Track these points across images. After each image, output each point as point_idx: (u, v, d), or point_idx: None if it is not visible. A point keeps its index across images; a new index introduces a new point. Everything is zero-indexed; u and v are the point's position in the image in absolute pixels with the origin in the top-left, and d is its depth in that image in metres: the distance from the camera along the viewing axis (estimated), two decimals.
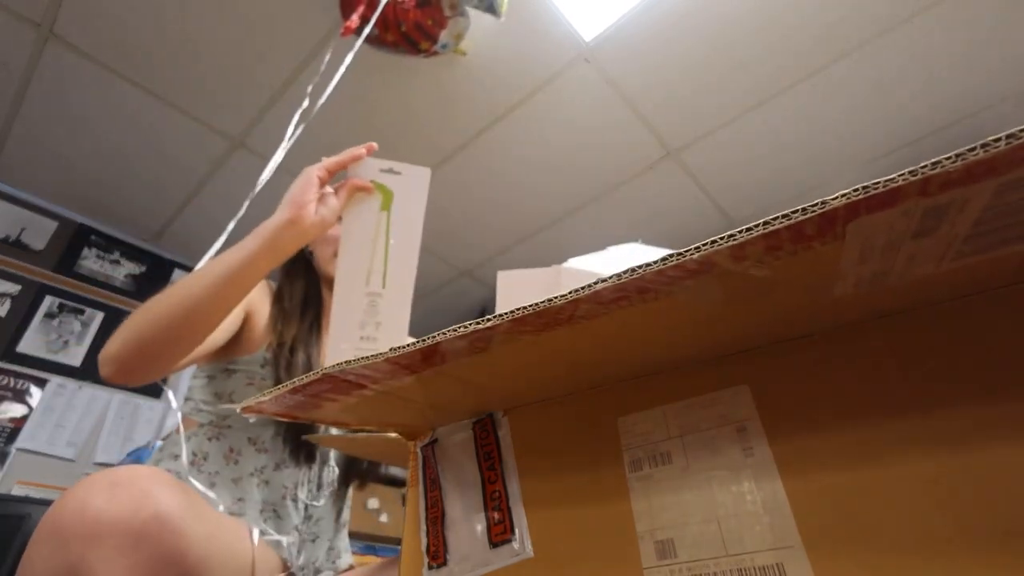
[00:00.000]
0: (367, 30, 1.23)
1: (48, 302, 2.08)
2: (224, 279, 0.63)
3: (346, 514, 0.88)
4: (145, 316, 0.63)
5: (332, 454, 0.84)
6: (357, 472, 0.86)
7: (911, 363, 0.30)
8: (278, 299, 0.85)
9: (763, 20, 1.45)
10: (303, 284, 0.88)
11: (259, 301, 0.85)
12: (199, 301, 0.62)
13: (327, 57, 1.37)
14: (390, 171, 0.73)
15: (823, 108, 1.69)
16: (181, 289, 0.63)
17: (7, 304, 1.99)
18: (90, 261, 2.22)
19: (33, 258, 2.09)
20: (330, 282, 0.84)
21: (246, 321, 0.82)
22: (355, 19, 1.22)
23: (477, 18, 1.41)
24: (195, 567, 0.47)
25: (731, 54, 1.54)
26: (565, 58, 1.57)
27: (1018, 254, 0.26)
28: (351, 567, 0.83)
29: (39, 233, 2.13)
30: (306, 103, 1.07)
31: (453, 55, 1.41)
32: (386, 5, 1.23)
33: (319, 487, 0.81)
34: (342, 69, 1.09)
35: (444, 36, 1.31)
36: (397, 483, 2.47)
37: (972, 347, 0.29)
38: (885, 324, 0.32)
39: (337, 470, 0.84)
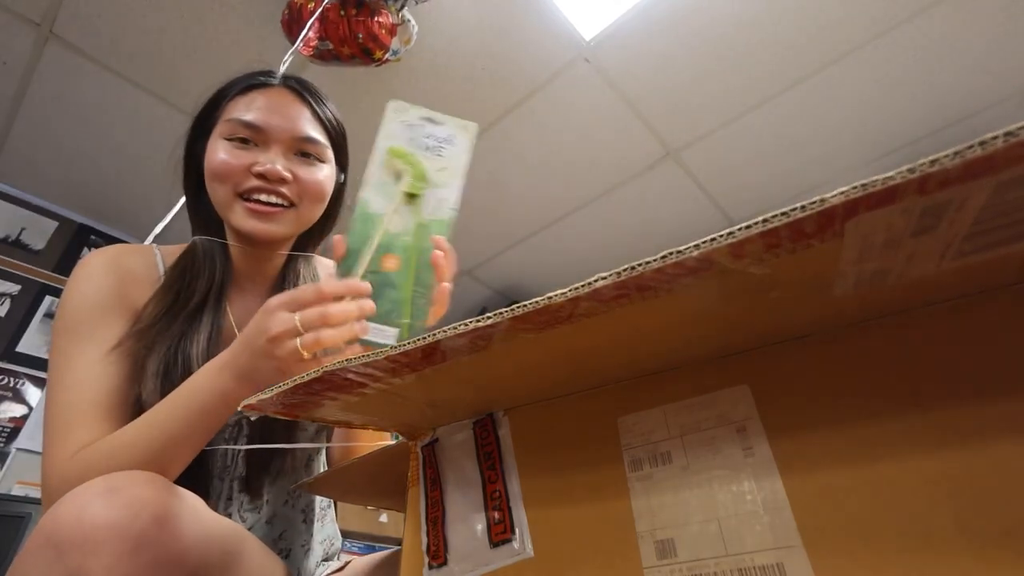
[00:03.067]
0: (300, 37, 1.28)
1: (48, 302, 2.07)
2: (198, 424, 0.52)
3: (318, 511, 0.75)
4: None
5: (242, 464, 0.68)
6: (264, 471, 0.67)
7: (911, 363, 0.30)
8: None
9: (763, 20, 1.45)
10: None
11: (135, 296, 0.66)
12: (169, 454, 0.51)
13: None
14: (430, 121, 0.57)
15: (823, 108, 1.69)
16: (144, 441, 0.52)
17: (7, 304, 1.99)
18: None
19: (33, 258, 2.09)
20: (240, 235, 0.67)
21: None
22: (312, 36, 1.27)
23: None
24: (195, 571, 0.46)
25: (731, 54, 1.55)
26: (565, 58, 1.58)
27: (1018, 253, 0.26)
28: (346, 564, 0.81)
29: (39, 233, 2.13)
30: None
31: (395, 62, 1.44)
32: (341, 21, 1.27)
33: (250, 501, 0.67)
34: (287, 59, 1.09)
35: (395, 43, 1.36)
36: None
37: (972, 347, 0.29)
38: (885, 324, 0.32)
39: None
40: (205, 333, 0.63)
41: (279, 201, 0.65)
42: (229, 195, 0.64)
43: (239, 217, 0.64)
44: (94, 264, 0.65)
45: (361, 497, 0.70)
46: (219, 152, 0.64)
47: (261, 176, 0.63)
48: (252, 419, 0.66)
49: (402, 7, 1.32)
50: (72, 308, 0.61)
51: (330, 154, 0.71)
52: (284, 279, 0.74)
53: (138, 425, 0.53)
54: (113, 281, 0.64)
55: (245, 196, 0.64)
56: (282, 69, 0.77)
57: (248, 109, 0.65)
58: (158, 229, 0.88)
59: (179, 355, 0.60)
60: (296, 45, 1.23)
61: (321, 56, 1.34)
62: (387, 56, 1.37)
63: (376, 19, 1.30)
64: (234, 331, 0.69)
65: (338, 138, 0.73)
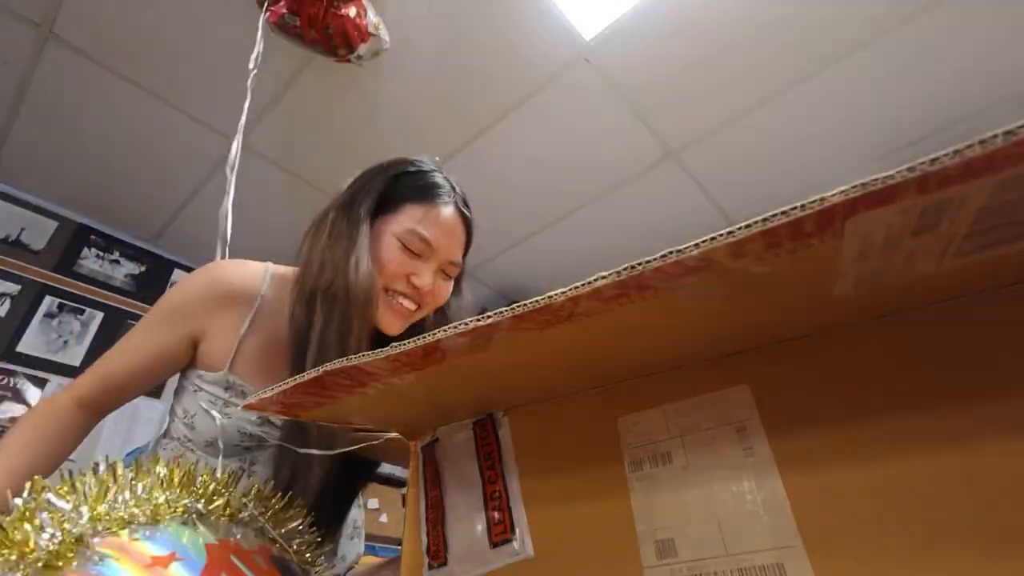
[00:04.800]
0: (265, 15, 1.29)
1: (48, 302, 2.07)
2: None
3: (352, 515, 0.80)
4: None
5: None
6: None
7: (911, 363, 0.30)
8: (297, 320, 0.70)
9: (763, 20, 1.45)
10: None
11: (210, 313, 0.71)
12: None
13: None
14: None
15: (823, 108, 1.70)
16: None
17: (7, 304, 1.99)
18: (90, 261, 2.22)
19: (33, 258, 2.09)
20: None
21: (200, 341, 0.71)
22: (281, 6, 1.28)
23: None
24: None
25: (731, 54, 1.55)
26: (565, 58, 1.58)
27: (1018, 253, 0.26)
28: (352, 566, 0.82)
29: (39, 233, 2.13)
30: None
31: (355, 65, 1.46)
32: (318, 4, 1.28)
33: None
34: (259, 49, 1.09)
35: (362, 49, 1.38)
36: (396, 483, 2.47)
37: (972, 347, 0.29)
38: (885, 324, 0.32)
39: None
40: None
41: (411, 307, 0.74)
42: (378, 285, 0.71)
43: (382, 311, 0.72)
44: (203, 273, 0.73)
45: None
46: (392, 251, 0.72)
47: (415, 288, 0.72)
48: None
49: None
50: (162, 299, 0.72)
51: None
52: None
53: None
54: (199, 297, 0.71)
55: (390, 293, 0.73)
56: (257, 49, 0.85)
57: (429, 225, 0.72)
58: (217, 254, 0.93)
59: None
60: (263, 15, 1.24)
61: (283, 28, 1.34)
62: (350, 56, 1.38)
63: (355, 19, 1.31)
64: None
65: (469, 246, 0.82)
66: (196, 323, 0.70)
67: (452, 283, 0.78)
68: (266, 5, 1.28)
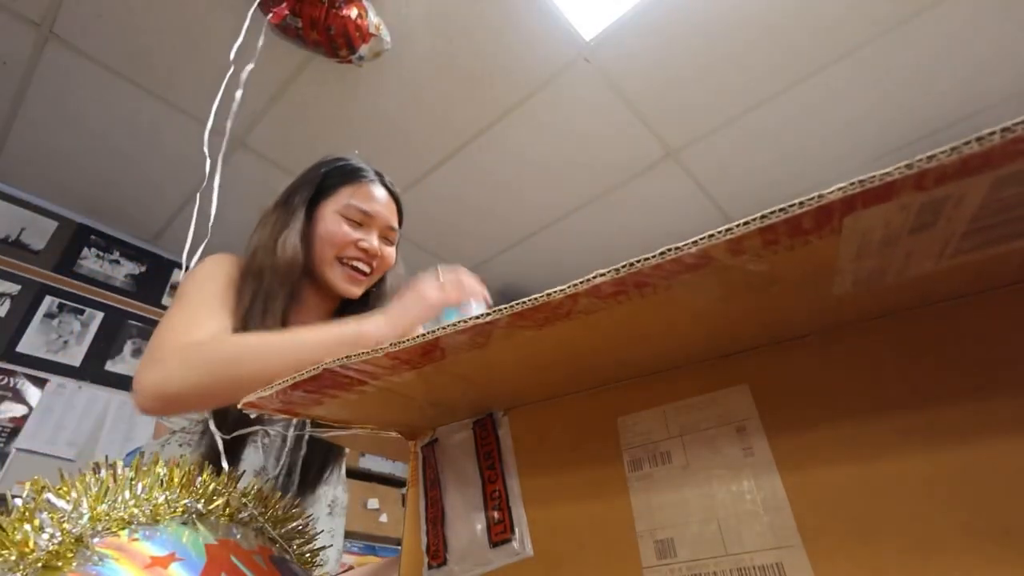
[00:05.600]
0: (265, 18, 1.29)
1: (48, 302, 2.08)
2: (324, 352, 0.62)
3: (333, 494, 0.86)
4: (246, 361, 0.61)
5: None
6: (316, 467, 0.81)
7: (911, 362, 0.30)
8: (239, 300, 0.77)
9: (763, 20, 1.45)
10: (271, 292, 0.79)
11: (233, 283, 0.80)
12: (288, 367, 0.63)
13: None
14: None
15: (823, 108, 1.70)
16: (294, 346, 0.62)
17: (7, 304, 1.99)
18: (90, 261, 2.22)
19: (33, 258, 2.09)
20: (319, 286, 0.83)
21: None
22: (284, 8, 1.30)
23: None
24: None
25: (731, 54, 1.55)
26: (565, 58, 1.58)
27: (1016, 251, 0.26)
28: (350, 567, 0.83)
29: (39, 233, 2.13)
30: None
31: (356, 66, 1.48)
32: (320, 6, 1.30)
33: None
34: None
35: (364, 49, 1.39)
36: (396, 483, 2.47)
37: (972, 346, 0.29)
38: (884, 323, 0.32)
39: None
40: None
41: (366, 269, 0.84)
42: (332, 257, 0.82)
43: (337, 277, 0.82)
44: (216, 259, 0.81)
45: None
46: (337, 225, 0.83)
47: (364, 251, 0.83)
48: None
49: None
50: (201, 276, 0.78)
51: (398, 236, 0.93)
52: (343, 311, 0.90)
53: (272, 336, 0.65)
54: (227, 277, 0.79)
55: (344, 261, 0.83)
56: (260, 42, 0.97)
57: (365, 200, 0.85)
58: (187, 246, 0.98)
59: None
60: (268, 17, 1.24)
61: (285, 30, 1.35)
62: (351, 57, 1.40)
63: (356, 20, 1.32)
64: None
65: (401, 222, 0.93)
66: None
67: (393, 248, 0.89)
68: (269, 7, 1.28)
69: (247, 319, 0.74)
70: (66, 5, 1.45)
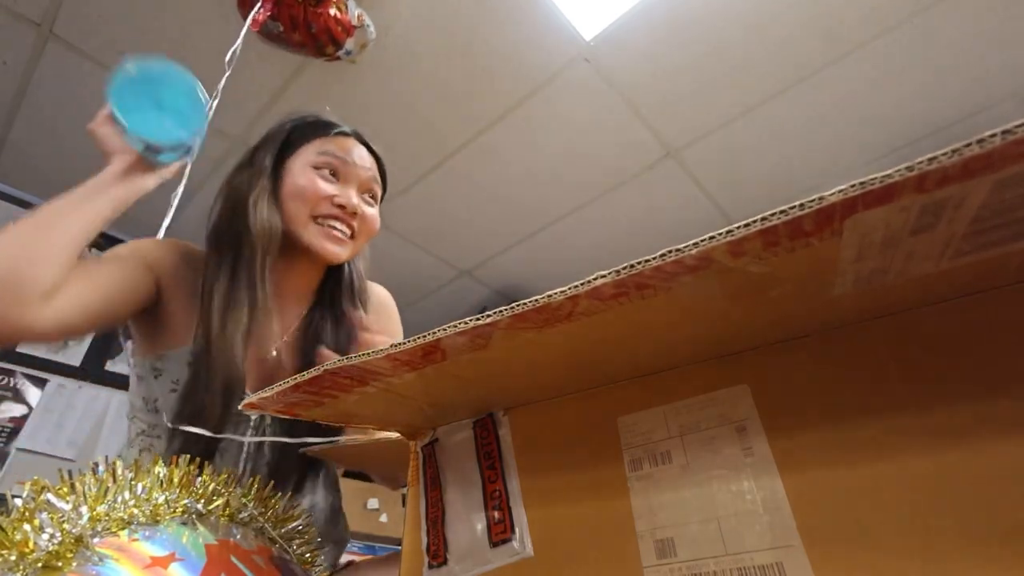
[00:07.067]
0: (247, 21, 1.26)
1: None
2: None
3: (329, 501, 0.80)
4: None
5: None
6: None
7: (911, 363, 0.30)
8: (208, 278, 0.68)
9: (763, 20, 1.45)
10: (240, 255, 0.69)
11: (173, 267, 0.70)
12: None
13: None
14: None
15: (823, 108, 1.70)
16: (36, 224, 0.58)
17: None
18: None
19: None
20: (299, 253, 0.73)
21: (161, 297, 0.68)
22: (262, 12, 1.27)
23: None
24: None
25: (731, 54, 1.55)
26: (565, 57, 1.58)
27: (1017, 252, 0.26)
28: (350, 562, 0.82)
29: None
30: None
31: (347, 63, 1.46)
32: (297, 6, 1.27)
33: None
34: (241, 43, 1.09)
35: (349, 43, 1.37)
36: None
37: (972, 346, 0.29)
38: (885, 324, 0.32)
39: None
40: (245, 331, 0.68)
41: (346, 231, 0.74)
42: (306, 215, 0.72)
43: (313, 236, 0.72)
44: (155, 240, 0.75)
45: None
46: (309, 177, 0.72)
47: (340, 207, 0.72)
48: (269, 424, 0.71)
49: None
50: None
51: (380, 196, 0.81)
52: (323, 291, 0.81)
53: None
54: (165, 255, 0.71)
55: (320, 220, 0.72)
56: (239, 42, 0.92)
57: (338, 148, 0.74)
58: (166, 223, 0.94)
59: (228, 353, 0.65)
60: (247, 23, 1.23)
61: (269, 37, 1.33)
62: (339, 53, 1.37)
63: (334, 15, 1.30)
64: (271, 333, 0.74)
65: (385, 181, 0.83)
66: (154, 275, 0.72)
67: (376, 209, 0.79)
68: (250, 14, 1.27)
69: (230, 299, 0.66)
70: (66, 5, 1.45)
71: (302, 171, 0.73)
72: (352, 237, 0.75)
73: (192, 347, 0.66)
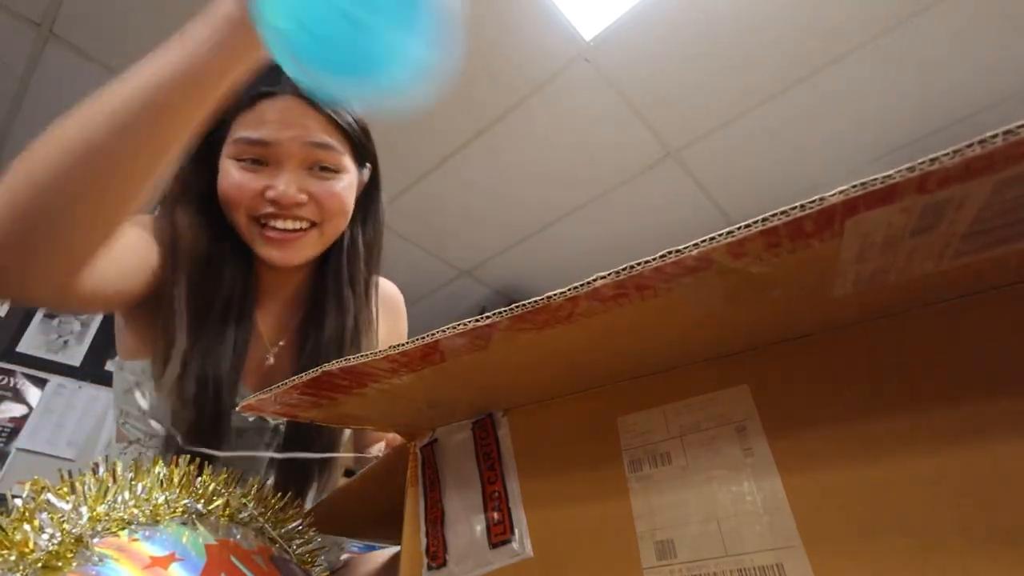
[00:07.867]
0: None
1: None
2: (148, 100, 0.40)
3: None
4: (27, 166, 0.40)
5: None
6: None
7: (911, 363, 0.30)
8: (168, 267, 0.58)
9: (763, 20, 1.45)
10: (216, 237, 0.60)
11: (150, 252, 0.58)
12: (105, 134, 0.41)
13: None
14: None
15: (823, 108, 1.70)
16: (79, 118, 0.41)
17: (7, 304, 1.99)
18: None
19: None
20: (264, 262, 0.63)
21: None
22: None
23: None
24: None
25: (731, 54, 1.55)
26: (565, 57, 1.58)
27: (1018, 253, 0.26)
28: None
29: None
30: None
31: None
32: None
33: None
34: None
35: None
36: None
37: (972, 347, 0.29)
38: (885, 324, 0.32)
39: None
40: (230, 345, 0.60)
41: (298, 225, 0.60)
42: (247, 222, 0.60)
43: (260, 247, 0.60)
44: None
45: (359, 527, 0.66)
46: (230, 175, 0.58)
47: (275, 202, 0.58)
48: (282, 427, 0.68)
49: None
50: None
51: (347, 160, 0.64)
52: (317, 286, 0.71)
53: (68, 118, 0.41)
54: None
55: (262, 222, 0.60)
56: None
57: (257, 125, 0.58)
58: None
59: (208, 370, 0.57)
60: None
61: None
62: None
63: None
64: (263, 342, 0.69)
65: (357, 136, 0.66)
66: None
67: (341, 176, 0.62)
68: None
69: (197, 330, 0.57)
70: (66, 5, 1.44)
71: (224, 167, 0.59)
72: (312, 226, 0.61)
73: (181, 356, 0.59)
